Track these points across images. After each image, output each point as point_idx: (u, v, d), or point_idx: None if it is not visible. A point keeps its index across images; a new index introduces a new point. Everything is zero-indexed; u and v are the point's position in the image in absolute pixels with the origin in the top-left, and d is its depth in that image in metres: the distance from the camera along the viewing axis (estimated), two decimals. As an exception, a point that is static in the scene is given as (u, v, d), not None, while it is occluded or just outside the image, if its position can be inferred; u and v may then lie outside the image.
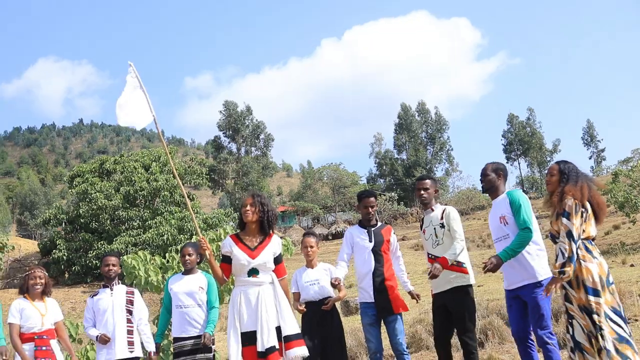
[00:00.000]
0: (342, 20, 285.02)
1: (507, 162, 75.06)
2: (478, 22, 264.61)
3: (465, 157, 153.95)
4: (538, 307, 4.70)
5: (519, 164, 75.63)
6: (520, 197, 4.95)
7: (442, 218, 5.39)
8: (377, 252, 5.73)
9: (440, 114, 77.58)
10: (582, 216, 4.32)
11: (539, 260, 4.81)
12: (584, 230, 4.33)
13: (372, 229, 5.83)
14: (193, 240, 7.62)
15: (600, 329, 4.11)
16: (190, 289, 5.88)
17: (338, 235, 48.08)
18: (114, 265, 6.04)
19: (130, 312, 5.96)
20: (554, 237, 4.47)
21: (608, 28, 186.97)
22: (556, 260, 4.24)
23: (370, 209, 5.82)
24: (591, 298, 4.19)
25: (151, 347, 5.95)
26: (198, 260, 6.05)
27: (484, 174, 5.18)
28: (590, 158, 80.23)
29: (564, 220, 4.30)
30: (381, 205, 53.06)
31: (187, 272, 6.01)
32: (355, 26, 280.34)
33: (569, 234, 4.24)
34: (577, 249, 4.25)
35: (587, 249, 4.32)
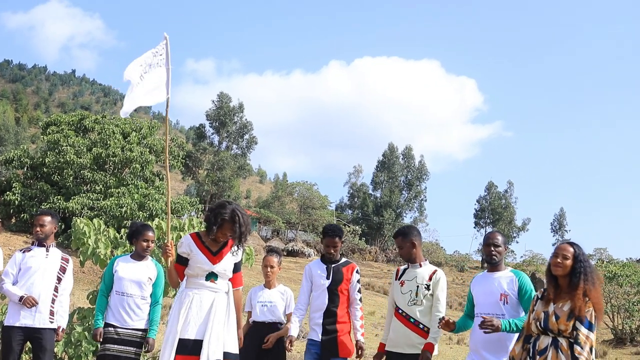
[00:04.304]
0: (355, 46, 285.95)
1: (474, 228, 75.69)
2: (484, 87, 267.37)
3: (435, 211, 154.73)
4: None
5: (485, 231, 76.06)
6: (530, 283, 4.63)
7: (430, 279, 4.98)
8: (333, 291, 5.35)
9: (424, 163, 77.96)
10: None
11: (513, 342, 4.47)
12: None
13: (333, 265, 5.44)
14: (155, 224, 7.18)
15: None
16: (138, 278, 5.38)
17: (293, 253, 47.63)
18: (42, 225, 5.38)
19: (59, 280, 5.40)
20: (550, 331, 4.02)
21: (609, 132, 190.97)
22: None
23: (332, 249, 5.44)
24: None
25: (63, 322, 5.44)
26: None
27: (495, 245, 4.74)
28: (553, 245, 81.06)
29: (591, 334, 3.88)
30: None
31: (138, 257, 5.51)
32: (367, 56, 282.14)
33: (592, 350, 3.87)
34: None
35: None
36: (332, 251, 5.45)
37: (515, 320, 4.45)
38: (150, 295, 5.49)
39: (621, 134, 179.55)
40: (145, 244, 5.51)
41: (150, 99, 4.84)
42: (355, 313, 5.48)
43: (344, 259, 5.56)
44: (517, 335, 4.46)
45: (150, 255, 5.69)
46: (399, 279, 5.17)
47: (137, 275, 5.42)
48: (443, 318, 4.71)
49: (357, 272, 5.52)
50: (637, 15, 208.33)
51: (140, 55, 4.85)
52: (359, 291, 5.47)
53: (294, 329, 5.40)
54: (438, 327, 4.76)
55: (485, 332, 4.41)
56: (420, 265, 5.10)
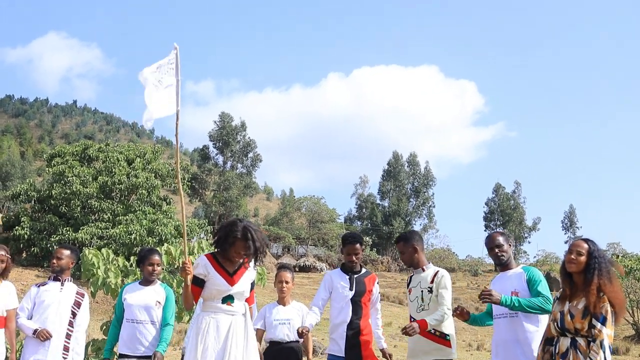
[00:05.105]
0: (353, 57, 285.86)
1: (485, 231, 75.31)
2: (484, 89, 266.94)
3: (444, 216, 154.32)
4: None
5: (496, 234, 75.53)
6: (540, 275, 4.58)
7: (432, 282, 4.90)
8: (357, 303, 5.25)
9: (430, 169, 77.78)
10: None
11: (535, 344, 4.40)
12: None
13: (355, 276, 5.34)
14: (164, 249, 7.11)
15: None
16: (146, 303, 5.32)
17: (305, 269, 47.48)
18: (59, 258, 5.41)
19: (74, 315, 5.34)
20: (567, 331, 3.94)
21: (610, 127, 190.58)
22: None
23: (354, 256, 5.33)
24: None
25: (78, 359, 5.36)
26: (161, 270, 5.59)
27: (498, 245, 4.71)
28: (565, 242, 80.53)
29: (604, 328, 3.77)
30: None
31: (146, 282, 5.47)
32: (365, 66, 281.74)
33: (605, 345, 3.74)
34: None
35: None
36: (354, 259, 5.36)
37: (518, 298, 4.41)
38: (162, 319, 5.41)
39: (625, 126, 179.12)
40: (150, 267, 5.47)
41: (162, 111, 4.71)
42: (376, 322, 5.46)
43: (364, 270, 5.48)
44: (539, 337, 4.37)
45: (159, 279, 5.63)
46: (408, 288, 5.17)
47: (145, 301, 5.36)
48: (458, 307, 4.75)
49: (377, 282, 5.49)
50: (635, 8, 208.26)
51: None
52: (379, 301, 5.48)
53: (310, 318, 5.24)
54: (453, 315, 4.78)
55: (484, 302, 4.44)
56: (424, 270, 5.05)
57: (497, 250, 4.74)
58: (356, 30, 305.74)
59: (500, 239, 4.78)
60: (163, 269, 6.81)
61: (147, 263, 5.49)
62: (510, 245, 4.81)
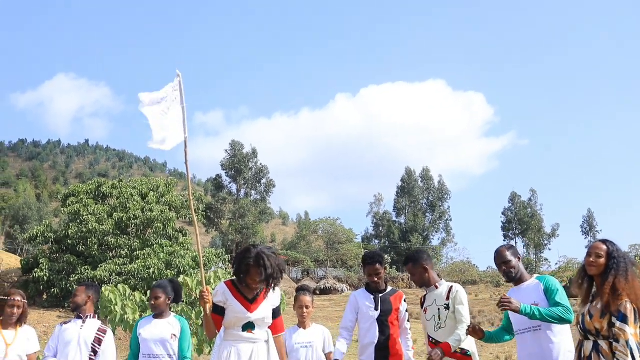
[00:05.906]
0: (359, 77, 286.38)
1: (504, 240, 74.69)
2: (493, 100, 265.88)
3: (462, 229, 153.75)
4: None
5: (515, 243, 75.06)
6: (557, 283, 4.47)
7: (447, 298, 4.82)
8: (383, 323, 5.16)
9: (444, 182, 77.53)
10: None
11: (562, 357, 4.29)
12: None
13: (380, 295, 5.25)
14: (180, 279, 7.03)
15: None
16: (161, 336, 5.25)
17: (326, 291, 47.22)
18: (75, 296, 5.43)
19: (95, 352, 5.27)
20: (589, 333, 3.85)
21: (617, 125, 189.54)
22: None
23: (375, 277, 5.25)
24: None
25: None
26: (169, 302, 5.50)
27: (505, 262, 4.60)
28: (586, 247, 79.49)
29: (626, 327, 3.67)
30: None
31: (158, 315, 5.42)
32: (372, 85, 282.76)
33: (631, 345, 3.63)
34: None
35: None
36: (376, 279, 5.27)
37: (538, 307, 4.30)
38: (179, 352, 5.34)
39: (636, 124, 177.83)
40: (149, 302, 5.49)
41: (170, 142, 4.67)
42: (406, 343, 5.33)
43: (390, 288, 5.39)
44: (564, 347, 4.31)
45: (173, 311, 5.58)
46: (422, 308, 5.06)
47: (160, 334, 5.29)
48: (471, 325, 4.64)
49: (404, 300, 5.39)
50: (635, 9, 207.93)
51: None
52: (408, 320, 5.34)
53: (339, 353, 5.16)
54: (466, 333, 4.66)
55: (503, 310, 4.36)
56: (437, 287, 4.95)
57: (504, 267, 4.64)
58: (361, 50, 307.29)
59: (508, 255, 4.66)
60: (183, 300, 6.73)
61: (148, 297, 5.57)
62: (519, 258, 4.71)
